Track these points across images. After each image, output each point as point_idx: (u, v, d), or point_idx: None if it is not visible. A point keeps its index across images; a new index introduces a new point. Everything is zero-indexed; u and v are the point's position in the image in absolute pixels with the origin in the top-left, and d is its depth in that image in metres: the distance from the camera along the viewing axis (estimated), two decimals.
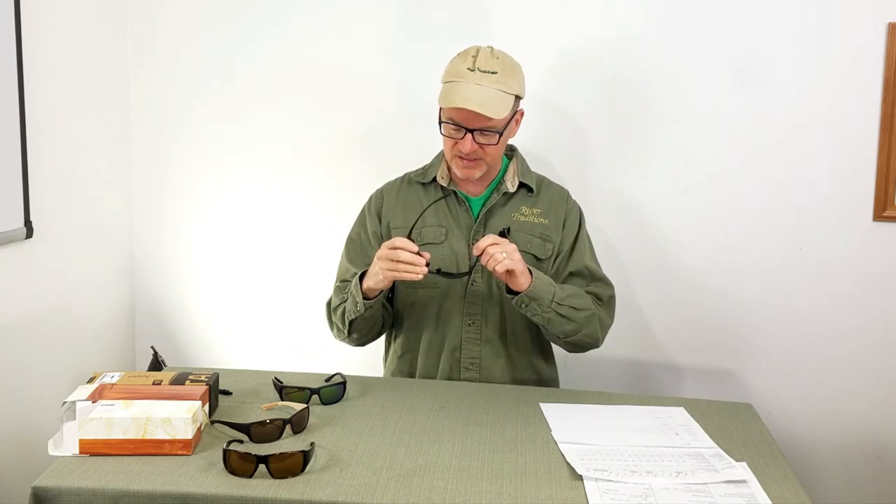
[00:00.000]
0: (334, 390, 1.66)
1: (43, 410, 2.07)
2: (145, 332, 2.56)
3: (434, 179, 1.91)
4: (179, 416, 1.38)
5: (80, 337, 2.29)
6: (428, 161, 1.97)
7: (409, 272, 1.65)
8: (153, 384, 1.53)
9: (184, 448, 1.38)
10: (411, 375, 1.94)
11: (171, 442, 1.38)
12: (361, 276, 1.78)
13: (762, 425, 1.62)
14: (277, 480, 1.29)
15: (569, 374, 2.20)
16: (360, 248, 1.94)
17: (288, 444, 1.43)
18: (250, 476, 1.30)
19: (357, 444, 1.45)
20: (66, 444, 1.38)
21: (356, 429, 1.52)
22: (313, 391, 1.63)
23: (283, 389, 1.64)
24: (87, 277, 2.32)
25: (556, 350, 1.97)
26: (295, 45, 2.40)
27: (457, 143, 1.78)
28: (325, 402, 1.64)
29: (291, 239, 2.48)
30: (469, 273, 1.80)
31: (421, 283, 1.72)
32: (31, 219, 2.02)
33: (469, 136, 1.75)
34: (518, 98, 1.81)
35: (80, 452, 1.38)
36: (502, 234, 1.82)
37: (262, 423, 1.44)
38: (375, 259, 1.71)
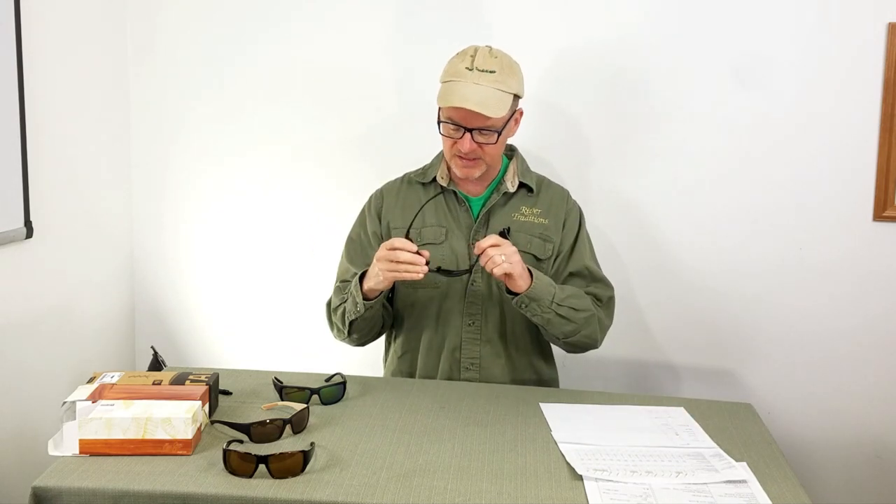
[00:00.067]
0: (334, 390, 1.66)
1: (43, 410, 2.07)
2: (145, 332, 2.57)
3: (434, 179, 1.91)
4: (179, 416, 1.38)
5: (80, 337, 2.30)
6: (428, 161, 1.97)
7: (410, 272, 1.65)
8: (153, 384, 1.53)
9: (184, 448, 1.38)
10: (411, 375, 1.94)
11: (171, 442, 1.38)
12: (361, 277, 1.78)
13: (762, 425, 1.62)
14: (277, 480, 1.29)
15: (569, 374, 2.20)
16: (359, 248, 1.94)
17: (288, 444, 1.43)
18: (250, 476, 1.30)
19: (357, 444, 1.45)
20: (66, 444, 1.38)
21: (356, 429, 1.52)
22: (313, 391, 1.63)
23: (283, 389, 1.64)
24: (87, 277, 2.32)
25: (556, 350, 1.97)
26: (295, 45, 2.40)
27: (456, 142, 1.78)
28: (325, 402, 1.64)
29: (291, 239, 2.48)
30: (469, 271, 1.80)
31: (421, 283, 1.72)
32: (31, 219, 2.02)
33: (468, 135, 1.75)
34: (517, 97, 1.81)
35: (80, 452, 1.38)
36: (502, 234, 1.82)
37: (262, 423, 1.44)
38: (375, 260, 1.71)
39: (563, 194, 1.95)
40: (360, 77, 2.38)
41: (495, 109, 1.72)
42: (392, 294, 1.93)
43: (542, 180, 1.96)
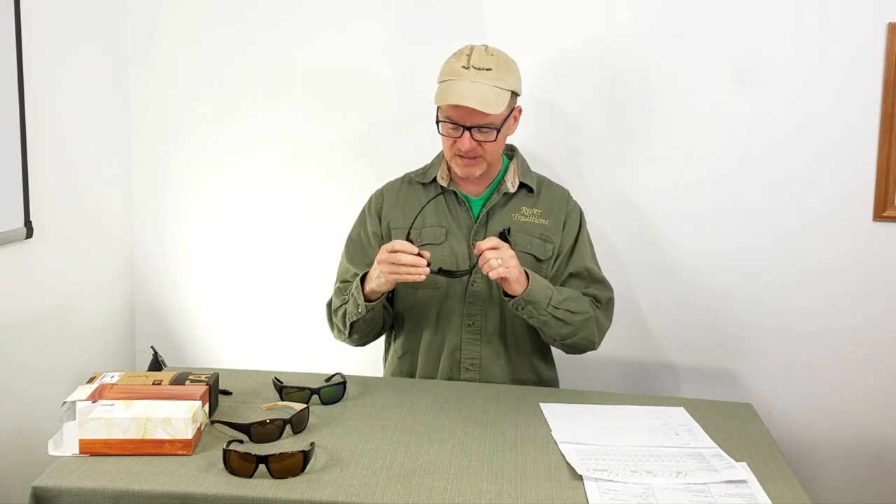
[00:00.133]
0: (334, 390, 1.66)
1: (43, 410, 2.07)
2: (145, 332, 2.57)
3: (434, 179, 1.91)
4: (179, 416, 1.38)
5: (80, 337, 2.30)
6: (428, 161, 1.97)
7: (412, 274, 1.65)
8: (153, 384, 1.53)
9: (184, 448, 1.38)
10: (411, 375, 1.94)
11: (171, 442, 1.38)
12: (362, 279, 1.78)
13: (762, 425, 1.62)
14: (277, 480, 1.29)
15: (568, 374, 2.20)
16: (360, 248, 1.94)
17: (288, 444, 1.43)
18: (250, 476, 1.30)
19: (357, 444, 1.45)
20: (66, 444, 1.38)
21: (356, 429, 1.52)
22: (313, 391, 1.63)
23: (283, 389, 1.64)
24: (87, 277, 2.32)
25: (556, 351, 1.97)
26: (295, 45, 2.40)
27: (455, 141, 1.78)
28: (325, 402, 1.64)
29: (291, 239, 2.48)
30: (470, 272, 1.80)
31: (421, 283, 1.72)
32: (31, 219, 2.02)
33: (467, 133, 1.75)
34: (515, 95, 1.81)
35: (80, 452, 1.38)
36: (502, 235, 1.82)
37: (262, 423, 1.44)
38: (376, 263, 1.71)
39: (564, 195, 1.95)
40: (360, 77, 2.38)
41: (493, 106, 1.72)
42: (392, 294, 1.93)
43: (542, 180, 1.96)
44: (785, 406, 2.32)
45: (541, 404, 1.67)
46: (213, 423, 1.50)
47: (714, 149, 2.28)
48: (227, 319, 2.53)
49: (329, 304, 1.92)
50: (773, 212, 2.27)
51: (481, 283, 1.86)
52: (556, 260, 1.89)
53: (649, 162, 2.31)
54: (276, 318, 2.51)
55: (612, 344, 2.14)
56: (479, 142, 1.77)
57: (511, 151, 1.96)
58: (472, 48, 1.78)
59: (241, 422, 1.46)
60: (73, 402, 1.41)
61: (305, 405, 1.55)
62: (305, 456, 1.32)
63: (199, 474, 1.31)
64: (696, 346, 2.36)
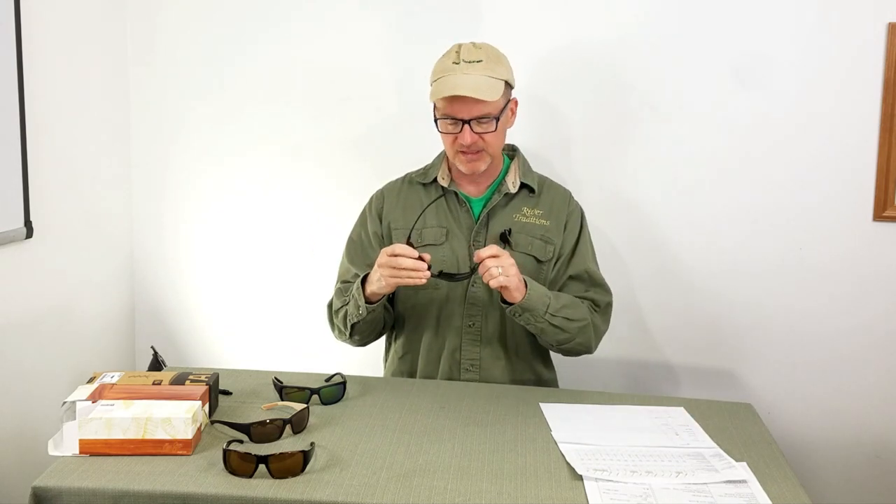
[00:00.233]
0: (334, 390, 1.66)
1: (43, 410, 2.07)
2: (145, 332, 2.57)
3: (435, 180, 1.91)
4: (179, 416, 1.38)
5: (80, 337, 2.30)
6: (429, 161, 1.97)
7: (413, 277, 1.65)
8: (153, 384, 1.53)
9: (184, 448, 1.38)
10: (412, 376, 1.94)
11: (171, 442, 1.38)
12: (363, 280, 1.78)
13: (762, 425, 1.62)
14: (277, 480, 1.29)
15: (568, 374, 2.20)
16: (360, 248, 1.94)
17: (288, 444, 1.43)
18: (250, 476, 1.30)
19: (357, 444, 1.45)
20: (66, 444, 1.38)
21: (356, 429, 1.52)
22: (313, 391, 1.63)
23: (283, 389, 1.64)
24: (87, 277, 2.32)
25: None
26: (295, 45, 2.40)
27: (456, 138, 1.78)
28: (325, 402, 1.64)
29: (291, 239, 2.48)
30: (470, 275, 1.80)
31: (422, 285, 1.72)
32: (31, 219, 2.02)
33: (467, 127, 1.75)
34: (508, 86, 1.81)
35: (80, 452, 1.38)
36: (503, 236, 1.83)
37: (262, 423, 1.44)
38: (376, 266, 1.71)
39: (565, 195, 1.95)
40: (360, 77, 2.38)
41: (488, 93, 1.73)
42: (393, 295, 1.93)
43: (543, 181, 1.96)
44: (785, 406, 2.32)
45: (541, 404, 1.67)
46: (213, 423, 1.50)
47: (714, 149, 2.28)
48: (227, 319, 2.53)
49: (330, 305, 1.91)
50: (773, 212, 2.27)
51: (481, 285, 1.85)
52: (556, 262, 1.89)
53: (649, 162, 2.31)
54: (276, 318, 2.51)
55: (612, 344, 2.14)
56: (479, 135, 1.77)
57: (512, 151, 1.96)
58: (460, 45, 1.80)
59: (241, 422, 1.46)
60: (73, 402, 1.41)
61: (305, 405, 1.55)
62: (305, 456, 1.32)
63: (199, 474, 1.31)
64: (695, 346, 2.36)
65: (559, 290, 1.88)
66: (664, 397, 1.92)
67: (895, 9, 2.15)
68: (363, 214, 1.98)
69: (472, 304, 1.86)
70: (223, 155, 2.47)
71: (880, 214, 2.22)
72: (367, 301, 1.76)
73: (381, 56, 2.37)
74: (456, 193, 1.89)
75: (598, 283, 1.90)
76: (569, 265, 1.89)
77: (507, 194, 1.88)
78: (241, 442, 1.40)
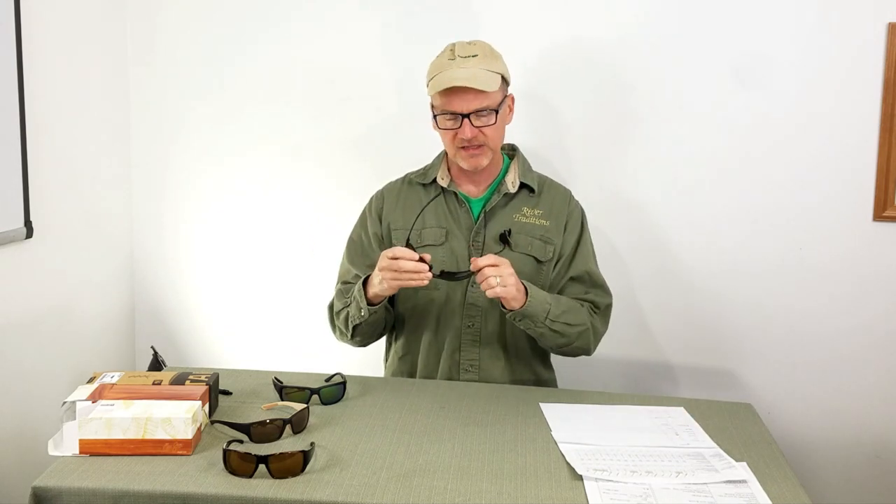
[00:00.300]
0: (334, 390, 1.66)
1: (43, 410, 2.07)
2: (145, 332, 2.57)
3: (434, 180, 1.91)
4: (179, 416, 1.38)
5: (80, 337, 2.30)
6: (428, 161, 1.97)
7: (414, 279, 1.66)
8: (153, 384, 1.53)
9: (184, 448, 1.38)
10: (412, 376, 1.94)
11: (171, 442, 1.38)
12: (364, 282, 1.78)
13: (762, 425, 1.62)
14: (277, 480, 1.29)
15: (568, 374, 2.20)
16: (360, 249, 1.94)
17: (288, 444, 1.43)
18: (250, 476, 1.30)
19: (357, 444, 1.45)
20: (66, 444, 1.38)
21: (356, 429, 1.52)
22: (313, 391, 1.63)
23: (283, 389, 1.64)
24: (87, 277, 2.32)
25: None
26: (295, 45, 2.40)
27: (456, 133, 1.78)
28: (325, 402, 1.64)
29: (291, 239, 2.48)
30: (471, 273, 1.79)
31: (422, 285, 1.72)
32: (31, 219, 2.02)
33: (466, 121, 1.76)
34: (505, 80, 1.82)
35: (80, 452, 1.38)
36: (502, 237, 1.83)
37: (262, 423, 1.44)
38: (377, 270, 1.71)
39: (566, 195, 1.95)
40: (360, 77, 2.38)
41: (485, 84, 1.74)
42: (393, 296, 1.93)
43: (544, 181, 1.96)
44: (785, 406, 2.32)
45: (541, 404, 1.67)
46: (213, 423, 1.50)
47: (714, 149, 2.28)
48: (227, 319, 2.53)
49: (331, 307, 1.91)
50: (773, 212, 2.27)
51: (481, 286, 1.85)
52: (556, 262, 1.89)
53: (649, 162, 2.31)
54: (276, 318, 2.51)
55: (612, 344, 2.14)
56: (479, 128, 1.77)
57: (512, 151, 1.96)
58: (454, 44, 1.81)
59: (241, 422, 1.46)
60: (73, 402, 1.41)
61: (305, 405, 1.55)
62: (305, 456, 1.32)
63: (199, 474, 1.31)
64: (695, 346, 2.36)
65: (560, 291, 1.88)
66: (664, 397, 1.92)
67: (895, 9, 2.15)
68: (363, 215, 1.98)
69: (471, 305, 1.86)
70: (223, 155, 2.47)
71: (880, 214, 2.22)
72: (369, 303, 1.76)
73: (380, 56, 2.37)
74: (455, 194, 1.89)
75: (598, 285, 1.90)
76: (570, 266, 1.89)
77: (506, 194, 1.88)
78: (241, 442, 1.40)
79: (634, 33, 2.26)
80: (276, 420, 1.45)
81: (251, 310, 2.52)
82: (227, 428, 1.46)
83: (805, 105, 2.22)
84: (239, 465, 1.30)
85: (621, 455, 1.42)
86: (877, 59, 2.18)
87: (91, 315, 2.34)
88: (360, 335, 1.87)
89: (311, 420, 1.53)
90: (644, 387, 2.38)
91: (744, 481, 1.34)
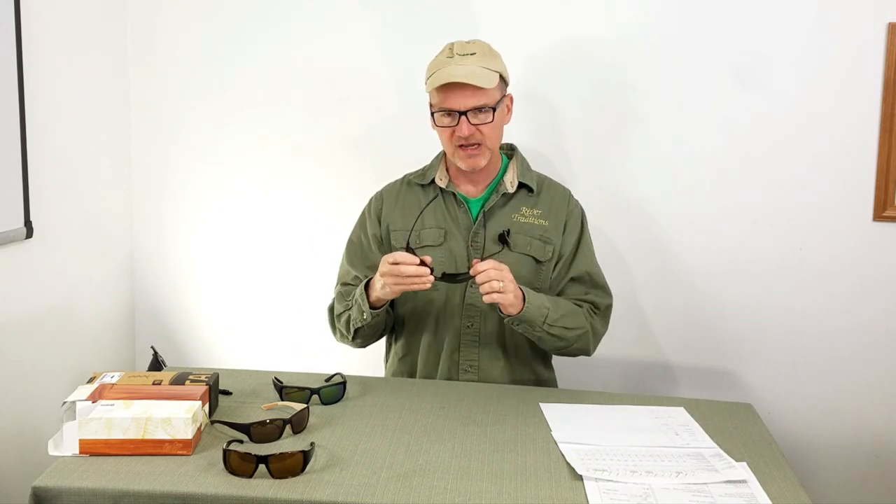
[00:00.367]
0: (334, 390, 1.66)
1: (43, 410, 2.07)
2: (145, 332, 2.57)
3: (433, 181, 1.91)
4: (179, 416, 1.38)
5: (80, 337, 2.29)
6: (428, 161, 1.97)
7: (416, 283, 1.66)
8: (153, 384, 1.53)
9: (184, 448, 1.38)
10: (411, 377, 1.94)
11: (171, 442, 1.38)
12: (366, 286, 1.78)
13: (762, 425, 1.62)
14: (277, 480, 1.29)
15: (568, 374, 2.20)
16: (360, 250, 1.94)
17: (288, 444, 1.43)
18: (250, 476, 1.30)
19: (357, 444, 1.45)
20: (66, 444, 1.38)
21: (356, 429, 1.52)
22: (313, 391, 1.63)
23: (283, 389, 1.64)
24: (87, 277, 2.32)
25: None
26: (295, 45, 2.40)
27: (454, 132, 1.78)
28: (325, 402, 1.64)
29: (291, 239, 2.48)
30: (472, 276, 1.79)
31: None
32: (31, 219, 2.02)
33: (464, 118, 1.75)
34: (503, 80, 1.82)
35: (80, 452, 1.38)
36: (501, 237, 1.82)
37: (262, 423, 1.44)
38: (379, 275, 1.71)
39: (565, 195, 1.95)
40: (360, 77, 2.38)
41: (483, 81, 1.74)
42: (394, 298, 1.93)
43: (543, 180, 1.96)
44: (785, 406, 2.32)
45: (541, 404, 1.67)
46: (213, 423, 1.50)
47: (714, 149, 2.28)
48: (227, 319, 2.53)
49: (331, 309, 1.91)
50: (773, 212, 2.27)
51: None
52: (556, 263, 1.89)
53: (649, 162, 2.31)
54: (276, 319, 2.51)
55: (612, 344, 2.14)
56: (476, 127, 1.77)
57: (511, 151, 1.96)
58: (453, 43, 1.82)
59: (241, 422, 1.46)
60: (73, 402, 1.41)
61: (305, 405, 1.55)
62: (305, 456, 1.32)
63: (199, 474, 1.31)
64: (695, 346, 2.36)
65: (560, 292, 1.88)
66: (664, 397, 1.92)
67: (895, 9, 2.15)
68: (362, 216, 1.98)
69: (470, 306, 1.86)
70: (223, 155, 2.47)
71: (880, 214, 2.22)
72: (372, 307, 1.76)
73: (380, 56, 2.37)
74: (454, 194, 1.89)
75: (599, 285, 1.90)
76: (570, 267, 1.89)
77: (505, 194, 1.88)
78: (241, 442, 1.40)
79: (634, 33, 2.26)
80: (276, 420, 1.45)
81: (251, 310, 2.52)
82: (227, 428, 1.46)
83: (805, 105, 2.22)
84: (239, 465, 1.30)
85: (621, 455, 1.42)
86: (877, 59, 2.18)
87: (91, 315, 2.34)
88: (362, 337, 1.87)
89: (311, 420, 1.53)
90: (644, 387, 2.38)
91: (744, 481, 1.34)
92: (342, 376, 1.71)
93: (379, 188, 1.99)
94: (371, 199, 1.98)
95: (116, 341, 2.49)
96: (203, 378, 1.56)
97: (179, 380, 1.55)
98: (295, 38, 2.39)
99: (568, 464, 1.38)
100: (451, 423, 1.56)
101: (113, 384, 1.52)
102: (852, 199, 2.24)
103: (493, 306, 1.79)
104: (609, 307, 1.91)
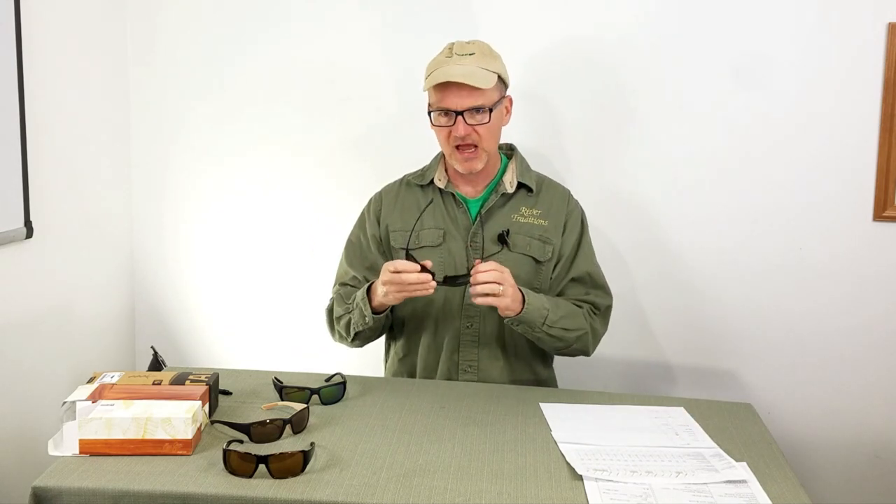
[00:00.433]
0: (334, 390, 1.66)
1: (43, 410, 2.07)
2: (145, 332, 2.57)
3: (432, 181, 1.90)
4: (179, 416, 1.38)
5: (80, 337, 2.29)
6: (427, 162, 1.97)
7: (419, 290, 1.66)
8: (153, 384, 1.53)
9: (184, 448, 1.38)
10: (411, 377, 1.94)
11: (171, 442, 1.38)
12: (368, 290, 1.78)
13: (762, 425, 1.62)
14: (277, 480, 1.29)
15: (568, 374, 2.20)
16: (358, 251, 1.94)
17: (288, 444, 1.43)
18: (250, 476, 1.30)
19: (357, 444, 1.45)
20: (66, 444, 1.38)
21: (356, 429, 1.52)
22: (313, 391, 1.63)
23: (283, 389, 1.64)
24: (87, 277, 2.32)
25: None
26: (295, 45, 2.40)
27: (451, 132, 1.78)
28: (325, 402, 1.64)
29: (291, 239, 2.48)
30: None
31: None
32: (31, 219, 2.02)
33: (461, 118, 1.75)
34: (502, 81, 1.82)
35: (80, 452, 1.38)
36: (500, 237, 1.82)
37: (262, 423, 1.44)
38: (381, 283, 1.71)
39: (564, 195, 1.95)
40: (360, 77, 2.38)
41: (481, 81, 1.74)
42: None
43: (542, 180, 1.96)
44: (785, 406, 2.32)
45: (541, 404, 1.67)
46: (213, 423, 1.50)
47: (714, 149, 2.28)
48: (227, 319, 2.53)
49: (330, 311, 1.91)
50: (773, 212, 2.27)
51: None
52: (556, 263, 1.89)
53: (649, 162, 2.30)
54: (276, 318, 2.51)
55: (612, 344, 2.14)
56: (473, 127, 1.77)
57: (510, 150, 1.96)
58: (453, 43, 1.82)
59: (241, 422, 1.46)
60: (73, 402, 1.41)
61: (305, 405, 1.55)
62: (305, 456, 1.32)
63: (199, 474, 1.31)
64: (695, 346, 2.36)
65: (560, 292, 1.88)
66: (664, 397, 1.92)
67: (895, 9, 2.15)
68: (361, 217, 1.98)
69: (470, 306, 1.85)
70: (223, 155, 2.47)
71: (880, 214, 2.22)
72: (374, 311, 1.77)
73: (380, 56, 2.37)
74: (453, 195, 1.89)
75: (599, 286, 1.90)
76: (571, 267, 1.89)
77: (504, 194, 1.88)
78: (241, 442, 1.40)
79: (634, 33, 2.26)
80: (276, 420, 1.45)
81: (251, 310, 2.52)
82: (227, 428, 1.46)
83: (805, 105, 2.22)
84: (239, 465, 1.30)
85: (621, 455, 1.42)
86: (877, 59, 2.18)
87: (91, 315, 2.34)
88: (361, 339, 1.87)
89: (311, 420, 1.53)
90: (644, 387, 2.38)
91: (744, 481, 1.34)
92: (342, 376, 1.71)
93: (379, 188, 1.99)
94: (370, 200, 1.98)
95: (116, 341, 2.49)
96: (203, 378, 1.56)
97: (179, 380, 1.55)
98: (295, 38, 2.39)
99: (568, 464, 1.38)
100: (451, 423, 1.56)
101: (113, 384, 1.52)
102: (852, 199, 2.24)
103: (493, 307, 1.80)
104: (609, 308, 1.91)
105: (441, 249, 1.86)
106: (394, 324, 1.96)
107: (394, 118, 2.38)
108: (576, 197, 1.97)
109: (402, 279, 1.65)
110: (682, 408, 1.68)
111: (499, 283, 1.66)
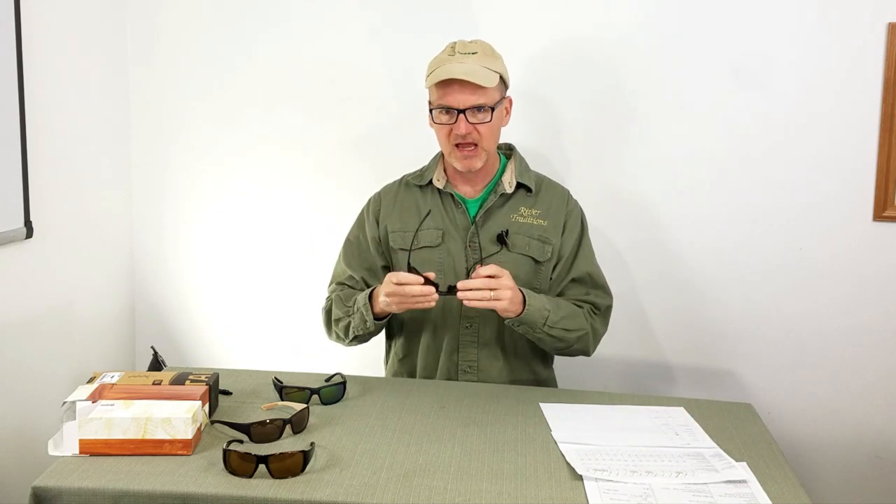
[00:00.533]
0: (334, 390, 1.66)
1: (43, 410, 2.07)
2: (145, 332, 2.57)
3: (430, 182, 1.90)
4: (179, 416, 1.38)
5: (80, 337, 2.29)
6: (427, 162, 1.97)
7: (422, 302, 1.66)
8: (153, 384, 1.53)
9: (184, 448, 1.38)
10: (411, 377, 1.94)
11: (171, 442, 1.38)
12: (370, 295, 1.78)
13: (762, 425, 1.62)
14: (277, 480, 1.29)
15: (568, 374, 2.20)
16: (357, 250, 1.94)
17: (288, 444, 1.43)
18: (250, 476, 1.30)
19: (357, 444, 1.45)
20: (66, 444, 1.38)
21: (356, 429, 1.52)
22: (313, 391, 1.63)
23: (283, 389, 1.64)
24: (87, 277, 2.32)
25: None
26: (295, 45, 2.40)
27: (451, 130, 1.78)
28: (325, 402, 1.64)
29: (291, 239, 2.48)
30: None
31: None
32: (31, 219, 2.02)
33: (462, 117, 1.75)
34: (503, 81, 1.82)
35: (80, 452, 1.38)
36: (499, 238, 1.82)
37: (262, 423, 1.44)
38: (384, 294, 1.71)
39: (564, 195, 1.95)
40: (360, 77, 2.38)
41: (483, 79, 1.74)
42: None
43: (541, 180, 1.96)
44: (785, 406, 2.32)
45: (541, 404, 1.67)
46: (213, 423, 1.50)
47: (714, 149, 2.28)
48: (227, 319, 2.53)
49: (328, 312, 1.91)
50: (773, 212, 2.27)
51: None
52: (556, 263, 1.89)
53: (649, 162, 2.30)
54: (276, 318, 2.51)
55: (612, 344, 2.14)
56: (474, 126, 1.77)
57: (509, 150, 1.96)
58: (455, 42, 1.82)
59: (241, 422, 1.46)
60: (73, 402, 1.41)
61: (305, 405, 1.55)
62: (305, 456, 1.32)
63: (199, 474, 1.31)
64: (695, 346, 2.36)
65: (560, 293, 1.88)
66: (664, 397, 1.92)
67: (895, 9, 2.15)
68: (360, 217, 1.98)
69: (469, 307, 1.85)
70: (223, 155, 2.47)
71: (880, 214, 2.22)
72: (376, 317, 1.77)
73: (381, 56, 2.37)
74: (452, 195, 1.89)
75: (599, 286, 1.90)
76: (571, 268, 1.89)
77: (503, 194, 1.88)
78: (241, 442, 1.40)
79: (634, 33, 2.26)
80: (276, 420, 1.45)
81: (251, 310, 2.52)
82: (227, 428, 1.46)
83: (805, 105, 2.22)
84: (239, 465, 1.30)
85: (621, 455, 1.42)
86: (877, 59, 2.18)
87: (91, 315, 2.34)
88: (358, 340, 1.88)
89: (311, 420, 1.53)
90: (644, 387, 2.38)
91: (744, 481, 1.34)
92: (342, 376, 1.71)
93: (378, 188, 1.99)
94: (369, 201, 1.98)
95: (116, 341, 2.49)
96: (203, 378, 1.56)
97: (179, 380, 1.55)
98: (295, 38, 2.39)
99: (568, 464, 1.38)
100: (451, 423, 1.56)
101: (113, 384, 1.52)
102: (852, 199, 2.24)
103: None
104: (609, 308, 1.91)
105: (440, 250, 1.86)
106: (394, 325, 1.96)
107: (394, 118, 2.38)
108: (575, 197, 1.97)
109: (405, 291, 1.66)
110: (682, 408, 1.68)
111: (490, 290, 1.66)
